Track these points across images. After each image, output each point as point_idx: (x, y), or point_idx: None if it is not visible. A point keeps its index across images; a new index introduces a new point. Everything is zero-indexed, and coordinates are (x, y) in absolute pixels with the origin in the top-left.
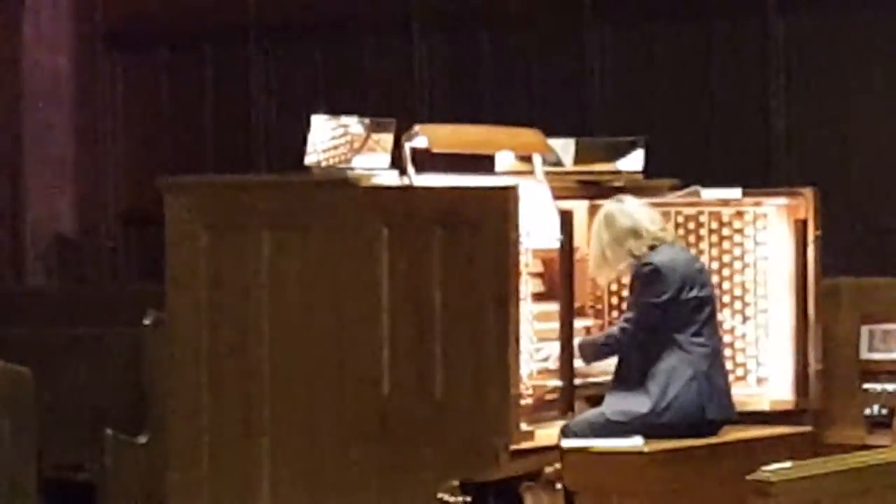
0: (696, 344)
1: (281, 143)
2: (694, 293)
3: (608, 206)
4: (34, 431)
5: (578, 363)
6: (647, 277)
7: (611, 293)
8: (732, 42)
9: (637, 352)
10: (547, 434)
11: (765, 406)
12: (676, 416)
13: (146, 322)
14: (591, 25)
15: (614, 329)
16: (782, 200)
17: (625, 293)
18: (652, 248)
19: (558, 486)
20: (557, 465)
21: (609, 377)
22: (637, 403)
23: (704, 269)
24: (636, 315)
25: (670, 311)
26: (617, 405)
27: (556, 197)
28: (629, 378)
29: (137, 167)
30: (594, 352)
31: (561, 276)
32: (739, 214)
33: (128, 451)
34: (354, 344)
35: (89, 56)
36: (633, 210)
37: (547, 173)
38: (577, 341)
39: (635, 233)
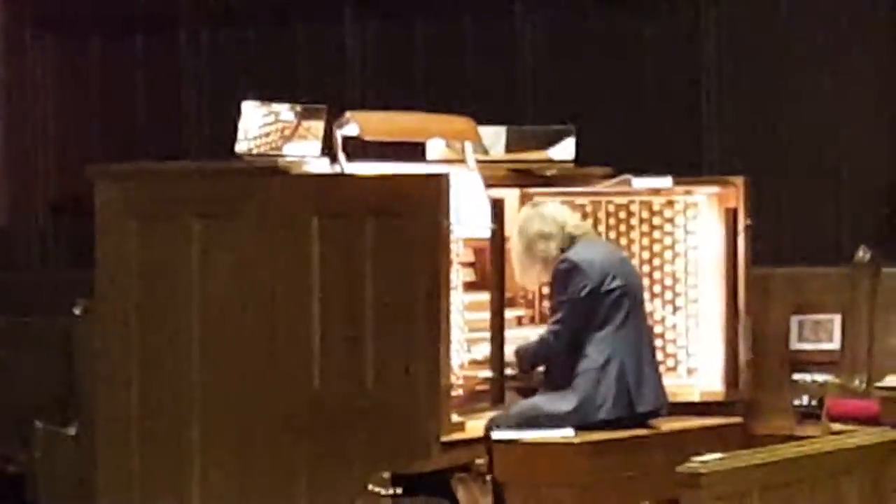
0: (623, 336)
1: (212, 131)
2: (616, 283)
3: (521, 212)
4: None
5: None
6: (565, 274)
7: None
8: (663, 29)
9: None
10: (478, 426)
11: (695, 397)
12: (607, 415)
13: (76, 311)
14: (523, 12)
15: (545, 334)
16: (713, 189)
17: None
18: (564, 248)
19: (489, 477)
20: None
21: (539, 367)
22: (567, 403)
23: (626, 259)
24: (563, 314)
25: (594, 304)
26: (547, 406)
27: (488, 185)
28: (558, 375)
29: (67, 154)
30: (530, 359)
31: (492, 265)
32: (670, 203)
33: (57, 443)
34: (285, 334)
35: (18, 42)
36: (543, 212)
37: (478, 161)
38: (510, 349)
39: (543, 235)
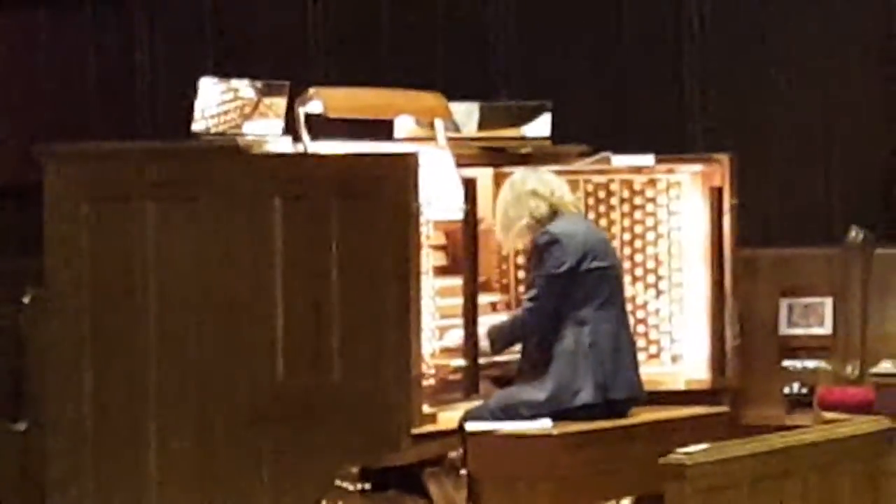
0: (601, 319)
1: (167, 109)
2: (596, 263)
3: (516, 172)
4: None
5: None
6: (545, 247)
7: (517, 267)
8: (644, 2)
9: (540, 330)
10: (450, 417)
11: (679, 385)
12: (584, 400)
13: (25, 300)
14: None
15: (519, 311)
16: (697, 167)
17: None
18: (553, 213)
19: (463, 472)
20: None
21: (515, 356)
22: (543, 391)
23: (608, 241)
24: (538, 290)
25: (572, 283)
26: (523, 395)
27: (459, 164)
28: (534, 360)
29: (14, 134)
30: (504, 338)
31: (464, 248)
32: (652, 182)
33: (5, 439)
34: (247, 323)
35: None
36: (540, 174)
37: (449, 139)
38: (482, 330)
39: (536, 193)
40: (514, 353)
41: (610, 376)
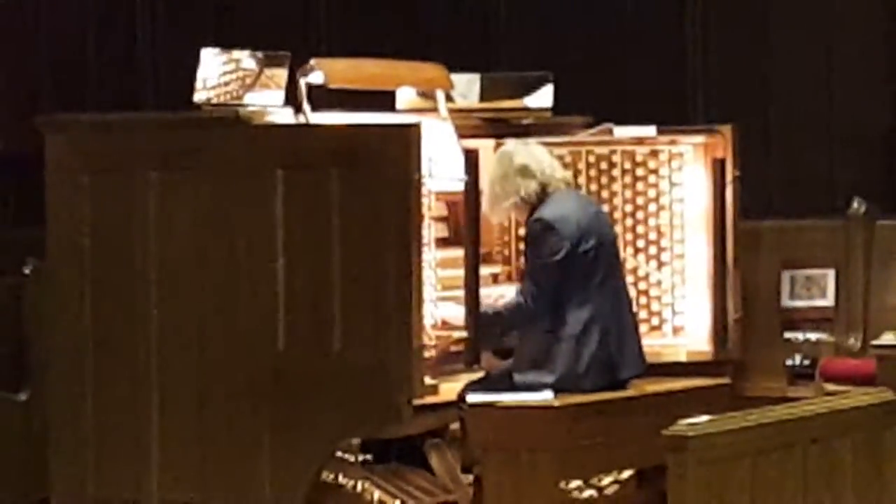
0: (601, 297)
1: (168, 80)
2: (592, 243)
3: (507, 144)
4: None
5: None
6: (540, 235)
7: (518, 238)
8: None
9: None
10: (452, 388)
11: (681, 357)
12: (591, 385)
13: (26, 271)
14: None
15: (517, 299)
16: (699, 138)
17: None
18: (543, 190)
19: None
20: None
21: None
22: (549, 375)
23: (601, 213)
24: (539, 277)
25: (570, 266)
26: (525, 378)
27: (461, 136)
28: (536, 339)
29: (15, 105)
30: (506, 324)
31: (466, 220)
32: (654, 154)
33: (7, 410)
34: (248, 294)
35: None
36: (530, 149)
37: (451, 110)
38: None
39: (524, 171)
40: None
41: (616, 357)
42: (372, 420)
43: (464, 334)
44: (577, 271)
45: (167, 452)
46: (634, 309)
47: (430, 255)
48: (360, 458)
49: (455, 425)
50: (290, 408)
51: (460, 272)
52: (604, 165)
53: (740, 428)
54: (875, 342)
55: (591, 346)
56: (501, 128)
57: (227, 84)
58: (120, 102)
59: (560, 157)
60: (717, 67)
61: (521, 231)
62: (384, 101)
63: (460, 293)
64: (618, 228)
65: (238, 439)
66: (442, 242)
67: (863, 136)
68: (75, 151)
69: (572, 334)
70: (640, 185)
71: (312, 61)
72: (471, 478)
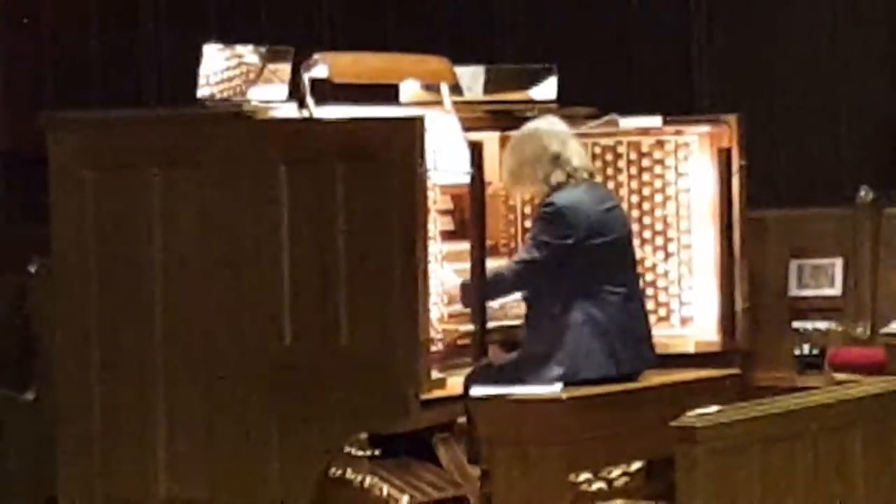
0: (610, 291)
1: (171, 76)
2: (601, 239)
3: (538, 122)
4: None
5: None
6: (549, 218)
7: (524, 230)
8: None
9: (549, 301)
10: (459, 382)
11: (689, 348)
12: (594, 373)
13: (31, 269)
14: None
15: (517, 266)
16: (705, 128)
17: None
18: (567, 180)
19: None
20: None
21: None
22: (555, 368)
23: (616, 208)
24: (537, 252)
25: (576, 256)
26: (531, 371)
27: (466, 128)
28: (542, 330)
29: (18, 102)
30: (500, 290)
31: (472, 213)
32: (660, 144)
33: (14, 409)
34: (254, 289)
35: None
36: (562, 137)
37: (455, 103)
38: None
39: (557, 160)
40: (522, 318)
41: (622, 351)
42: (379, 414)
43: (471, 328)
44: (584, 263)
45: (174, 450)
46: (644, 301)
47: (436, 249)
48: (368, 452)
49: (463, 419)
50: (297, 403)
51: (466, 265)
52: (609, 157)
53: (749, 418)
54: (883, 330)
55: (596, 338)
56: (506, 120)
57: (230, 79)
58: (123, 99)
59: None
60: (722, 57)
61: (527, 224)
62: (388, 94)
63: None
64: None
65: (245, 436)
66: (448, 235)
67: (870, 125)
68: (79, 149)
69: (578, 326)
70: (646, 176)
71: (316, 55)
72: (479, 471)
